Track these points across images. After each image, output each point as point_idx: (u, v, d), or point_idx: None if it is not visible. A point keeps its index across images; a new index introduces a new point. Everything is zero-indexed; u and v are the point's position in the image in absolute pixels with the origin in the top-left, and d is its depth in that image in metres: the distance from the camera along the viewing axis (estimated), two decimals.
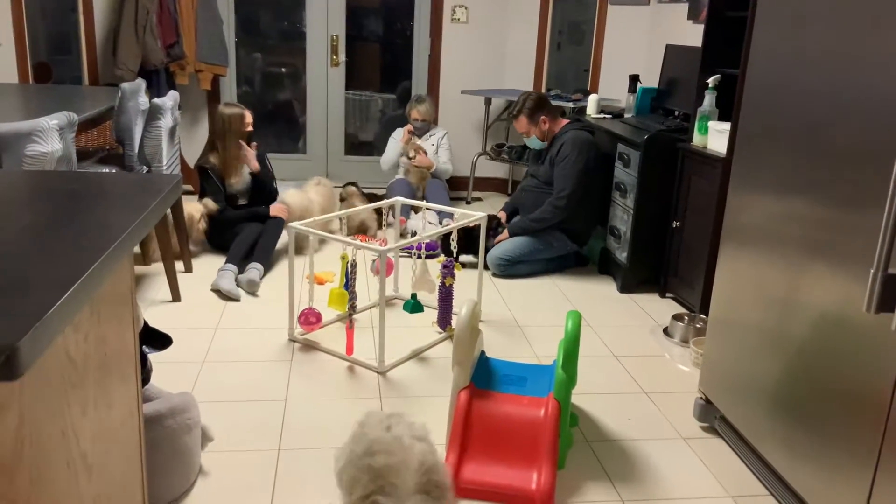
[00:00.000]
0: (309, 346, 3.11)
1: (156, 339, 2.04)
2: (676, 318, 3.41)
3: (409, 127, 5.28)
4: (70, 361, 1.09)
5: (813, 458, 1.97)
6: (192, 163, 5.54)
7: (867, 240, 1.76)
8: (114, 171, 3.60)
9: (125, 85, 3.58)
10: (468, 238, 3.96)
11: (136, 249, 3.97)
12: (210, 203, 4.14)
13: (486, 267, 3.98)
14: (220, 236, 4.16)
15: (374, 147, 6.19)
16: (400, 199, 3.71)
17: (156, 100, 3.60)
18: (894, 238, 1.52)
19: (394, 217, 3.99)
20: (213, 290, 3.70)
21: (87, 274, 0.95)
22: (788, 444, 2.08)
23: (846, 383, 1.84)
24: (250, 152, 4.23)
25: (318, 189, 4.71)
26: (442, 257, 3.22)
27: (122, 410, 1.37)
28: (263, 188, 4.35)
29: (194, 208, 4.07)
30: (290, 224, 3.08)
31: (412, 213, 4.88)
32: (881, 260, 1.53)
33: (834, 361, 1.88)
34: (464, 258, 4.07)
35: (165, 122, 3.62)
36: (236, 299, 3.61)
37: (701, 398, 2.61)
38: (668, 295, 3.90)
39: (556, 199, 4.04)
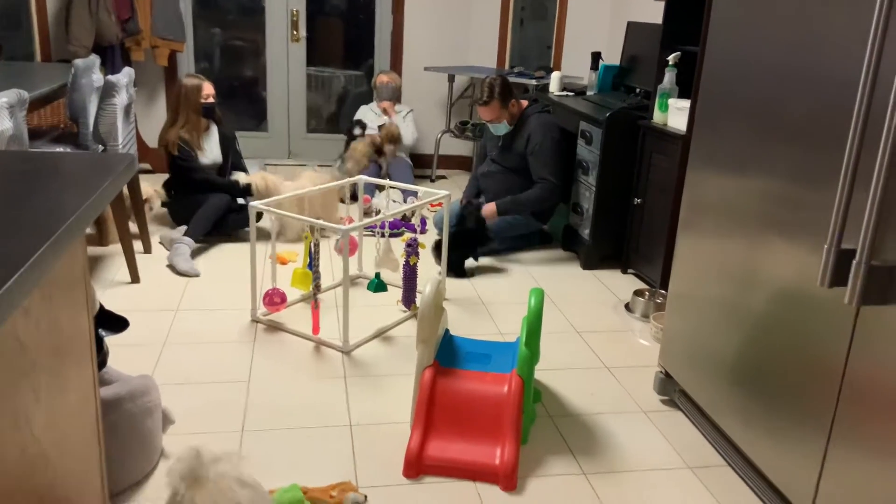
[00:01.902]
0: (272, 327, 3.09)
1: (112, 321, 2.01)
2: (637, 293, 3.46)
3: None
4: (21, 347, 1.07)
5: (769, 429, 2.02)
6: (149, 141, 5.44)
7: (822, 215, 1.80)
8: (67, 150, 3.51)
9: (78, 61, 3.48)
10: (466, 238, 3.83)
11: (90, 230, 3.89)
12: (161, 191, 4.10)
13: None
14: (184, 207, 4.08)
15: (338, 125, 6.12)
16: (363, 178, 3.68)
17: (110, 76, 3.51)
18: (847, 213, 1.55)
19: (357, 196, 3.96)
20: (168, 265, 3.67)
21: (35, 257, 0.93)
22: (745, 416, 2.13)
23: (801, 356, 1.88)
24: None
25: (312, 176, 4.43)
26: (406, 236, 3.21)
27: (78, 395, 1.34)
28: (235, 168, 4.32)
29: (144, 190, 3.99)
30: (252, 203, 3.04)
31: (376, 191, 4.85)
32: (835, 235, 1.56)
33: (789, 335, 1.93)
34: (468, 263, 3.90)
35: (120, 99, 3.53)
36: (195, 275, 3.58)
37: (661, 372, 2.65)
38: (629, 271, 3.94)
39: (543, 189, 4.01)
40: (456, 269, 3.79)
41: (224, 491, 1.39)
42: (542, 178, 4.01)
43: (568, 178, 4.20)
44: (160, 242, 3.94)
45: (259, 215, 4.06)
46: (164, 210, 4.27)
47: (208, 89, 4.15)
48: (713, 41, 2.33)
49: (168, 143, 4.04)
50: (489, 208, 4.00)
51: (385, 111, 5.35)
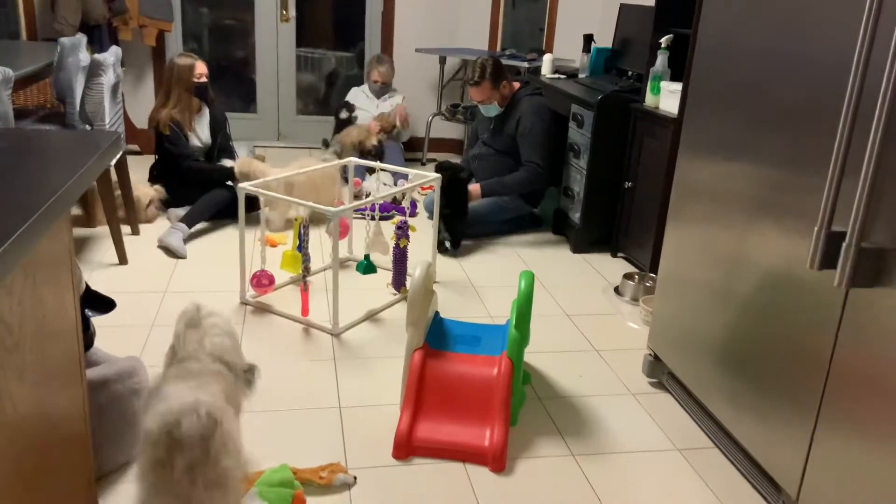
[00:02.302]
0: (261, 309, 3.07)
1: (99, 302, 1.99)
2: (627, 277, 3.46)
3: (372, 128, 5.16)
4: (4, 326, 1.05)
5: (756, 411, 2.03)
6: (136, 122, 5.39)
7: (813, 198, 1.80)
8: (54, 129, 3.47)
9: (64, 40, 3.43)
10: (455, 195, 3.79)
11: (77, 211, 3.85)
12: (161, 189, 4.05)
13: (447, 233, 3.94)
14: (174, 190, 4.06)
15: (329, 107, 6.08)
16: (354, 160, 3.66)
17: (97, 55, 3.47)
18: (838, 196, 1.55)
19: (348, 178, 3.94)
20: (159, 246, 3.64)
21: (17, 234, 0.91)
22: (733, 399, 2.14)
23: (790, 338, 1.89)
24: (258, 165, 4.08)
25: (307, 163, 4.24)
26: (396, 218, 3.20)
27: (63, 375, 1.33)
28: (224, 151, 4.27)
29: (143, 192, 3.96)
30: (241, 185, 3.01)
31: (367, 174, 4.83)
32: (825, 217, 1.56)
33: (778, 317, 1.93)
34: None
35: (107, 78, 3.49)
36: (182, 257, 3.56)
37: (650, 355, 2.66)
38: (619, 254, 3.94)
39: (529, 173, 4.01)
40: (454, 235, 3.78)
41: (211, 335, 1.81)
42: (529, 161, 4.00)
43: (558, 162, 4.18)
44: (168, 218, 3.96)
45: (253, 205, 4.00)
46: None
47: (201, 69, 4.08)
48: (706, 24, 2.32)
49: (159, 122, 3.99)
50: (474, 189, 3.99)
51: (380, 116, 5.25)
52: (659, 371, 2.64)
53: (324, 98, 6.14)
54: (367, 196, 4.49)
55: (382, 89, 5.33)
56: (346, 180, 3.94)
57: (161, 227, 3.87)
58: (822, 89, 1.77)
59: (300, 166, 4.14)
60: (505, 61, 4.62)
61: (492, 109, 4.09)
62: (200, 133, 4.17)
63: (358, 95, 5.35)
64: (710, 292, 2.26)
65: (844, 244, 1.53)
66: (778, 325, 1.93)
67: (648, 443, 2.32)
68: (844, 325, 1.69)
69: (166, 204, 4.10)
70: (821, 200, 1.57)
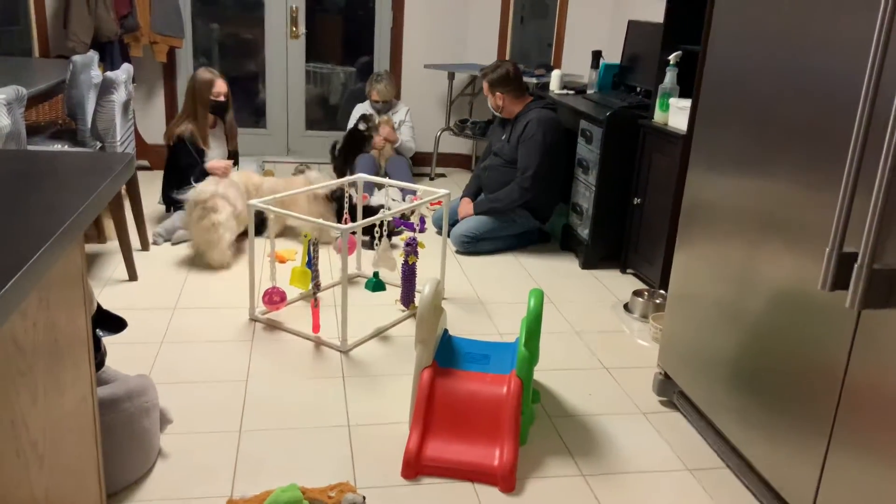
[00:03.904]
0: (270, 326, 3.08)
1: (110, 322, 2.00)
2: (636, 293, 3.45)
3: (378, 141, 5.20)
4: (18, 349, 1.06)
5: (768, 431, 2.01)
6: (147, 138, 5.43)
7: (824, 217, 1.79)
8: (65, 147, 3.50)
9: (77, 57, 3.47)
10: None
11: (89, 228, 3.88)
12: None
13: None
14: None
15: (337, 122, 6.11)
16: (362, 176, 3.67)
17: (108, 73, 3.50)
18: (850, 216, 1.54)
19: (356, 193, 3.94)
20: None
21: (33, 260, 0.92)
22: (744, 418, 2.13)
23: (801, 359, 1.87)
24: (220, 165, 4.06)
25: (302, 182, 4.16)
26: (405, 235, 3.21)
27: (75, 396, 1.33)
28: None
29: None
30: (250, 202, 3.03)
31: (375, 189, 4.84)
32: (836, 237, 1.55)
33: (789, 337, 1.92)
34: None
35: (119, 96, 3.52)
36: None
37: (660, 373, 2.65)
38: (628, 271, 3.94)
39: (521, 179, 4.04)
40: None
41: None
42: (522, 174, 4.05)
43: (567, 178, 4.19)
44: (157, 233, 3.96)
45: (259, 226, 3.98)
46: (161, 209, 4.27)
47: (220, 87, 4.09)
48: (715, 40, 2.32)
49: (171, 135, 4.04)
50: (467, 207, 4.19)
51: (383, 125, 5.27)
52: (669, 389, 2.62)
53: (333, 113, 6.17)
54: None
55: (384, 107, 5.34)
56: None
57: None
58: (833, 106, 1.77)
59: (305, 181, 4.14)
60: None
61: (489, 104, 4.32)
62: (217, 147, 4.20)
63: (362, 112, 5.37)
64: (721, 310, 2.25)
65: (856, 265, 1.52)
66: (790, 344, 1.92)
67: (659, 462, 2.30)
68: (857, 345, 1.68)
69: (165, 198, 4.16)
70: (832, 218, 1.57)
